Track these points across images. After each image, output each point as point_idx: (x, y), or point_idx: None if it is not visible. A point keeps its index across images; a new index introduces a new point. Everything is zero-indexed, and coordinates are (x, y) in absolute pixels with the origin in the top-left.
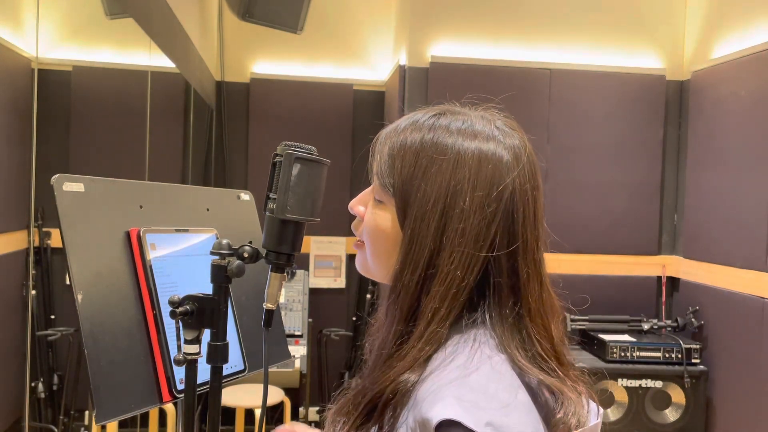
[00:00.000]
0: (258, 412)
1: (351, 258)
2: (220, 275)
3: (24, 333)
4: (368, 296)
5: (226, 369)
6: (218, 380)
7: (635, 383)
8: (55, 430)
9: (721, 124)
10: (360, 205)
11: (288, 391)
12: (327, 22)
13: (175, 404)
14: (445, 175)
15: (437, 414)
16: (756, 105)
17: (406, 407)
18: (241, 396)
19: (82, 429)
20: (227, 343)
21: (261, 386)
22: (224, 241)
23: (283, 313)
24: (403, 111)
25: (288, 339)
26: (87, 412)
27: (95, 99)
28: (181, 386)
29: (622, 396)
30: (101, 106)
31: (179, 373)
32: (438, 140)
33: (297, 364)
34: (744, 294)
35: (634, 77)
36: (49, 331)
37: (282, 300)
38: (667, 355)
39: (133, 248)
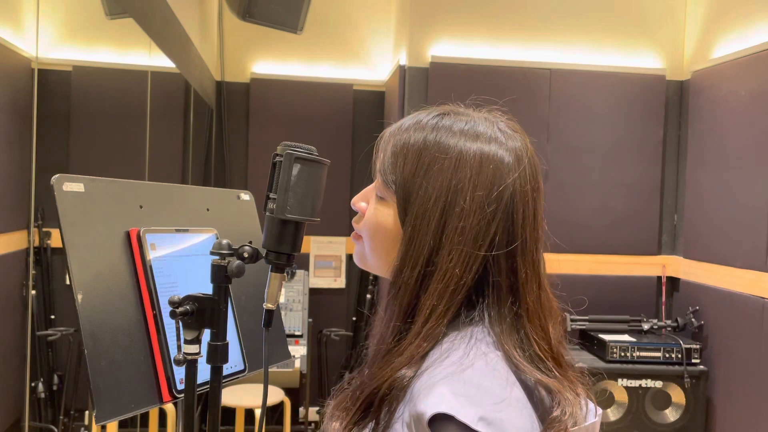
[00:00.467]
0: (258, 412)
1: (351, 258)
2: (220, 275)
3: (24, 333)
4: (368, 296)
5: (226, 369)
6: (218, 380)
7: (635, 383)
8: (55, 430)
9: (721, 124)
10: (362, 200)
11: (288, 391)
12: (327, 22)
13: (175, 404)
14: (446, 174)
15: (431, 408)
16: (756, 105)
17: (402, 402)
18: (241, 396)
19: (82, 429)
20: (227, 343)
21: (261, 386)
22: (224, 241)
23: (283, 313)
24: (403, 111)
25: (288, 339)
26: (87, 412)
27: (95, 99)
28: (181, 386)
29: (622, 396)
30: (101, 106)
31: (179, 373)
32: (441, 140)
33: (297, 364)
34: (744, 294)
35: (634, 77)
36: (49, 331)
37: (282, 300)
38: (667, 355)
39: (133, 248)
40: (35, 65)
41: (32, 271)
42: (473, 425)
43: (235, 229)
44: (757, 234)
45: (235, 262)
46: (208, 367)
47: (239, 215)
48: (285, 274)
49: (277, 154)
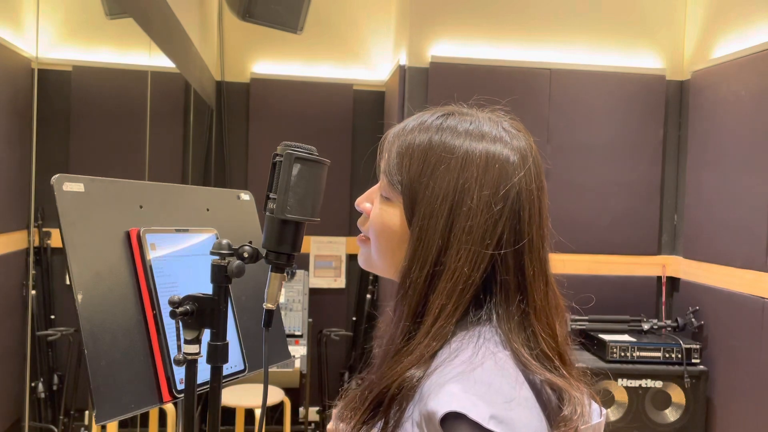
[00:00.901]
0: (258, 412)
1: (351, 258)
2: (220, 275)
3: (24, 333)
4: (368, 296)
5: (226, 369)
6: (218, 380)
7: (635, 383)
8: (55, 430)
9: (721, 124)
10: (366, 201)
11: (288, 391)
12: (327, 22)
13: (175, 404)
14: (453, 174)
15: (442, 407)
16: (756, 105)
17: (412, 402)
18: (241, 396)
19: (82, 429)
20: (227, 343)
21: (261, 386)
22: (224, 241)
23: (283, 313)
24: (403, 111)
25: (288, 339)
26: (87, 412)
27: (95, 99)
28: (181, 386)
29: (622, 396)
30: (101, 106)
31: (179, 373)
32: (446, 140)
33: (297, 364)
34: (744, 294)
35: (634, 77)
36: (49, 331)
37: (282, 300)
38: (667, 355)
39: (133, 248)
40: (35, 65)
41: (32, 271)
42: (485, 423)
43: (235, 229)
44: (757, 234)
45: (235, 262)
46: (208, 367)
47: (239, 215)
48: (285, 274)
49: (277, 154)
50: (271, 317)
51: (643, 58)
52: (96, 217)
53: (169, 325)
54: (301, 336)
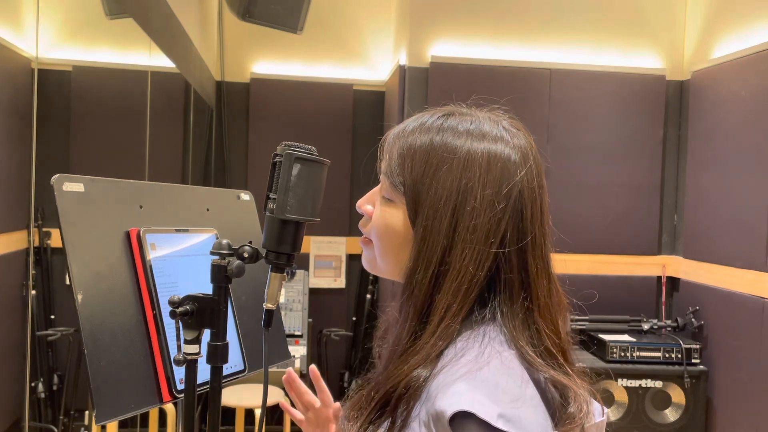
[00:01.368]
0: (258, 412)
1: (351, 258)
2: (220, 275)
3: (24, 333)
4: (368, 296)
5: (226, 369)
6: (218, 380)
7: (635, 383)
8: (55, 430)
9: (721, 124)
10: (368, 203)
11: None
12: (327, 22)
13: (175, 404)
14: (455, 174)
15: (451, 406)
16: (756, 105)
17: (419, 402)
18: (241, 396)
19: (82, 429)
20: (227, 343)
21: (261, 386)
22: (224, 241)
23: (283, 313)
24: (403, 111)
25: (288, 339)
26: (87, 412)
27: (95, 99)
28: (181, 386)
29: (622, 396)
30: (101, 106)
31: (179, 373)
32: (448, 141)
33: (297, 364)
34: (744, 294)
35: (634, 77)
36: (49, 331)
37: (282, 300)
38: (667, 355)
39: (133, 248)
40: (35, 65)
41: (32, 271)
42: (493, 422)
43: (235, 229)
44: (757, 234)
45: (235, 262)
46: (208, 367)
47: (239, 215)
48: (285, 274)
49: (277, 154)
50: (271, 317)
51: (643, 58)
52: (96, 217)
53: (169, 325)
54: (301, 336)
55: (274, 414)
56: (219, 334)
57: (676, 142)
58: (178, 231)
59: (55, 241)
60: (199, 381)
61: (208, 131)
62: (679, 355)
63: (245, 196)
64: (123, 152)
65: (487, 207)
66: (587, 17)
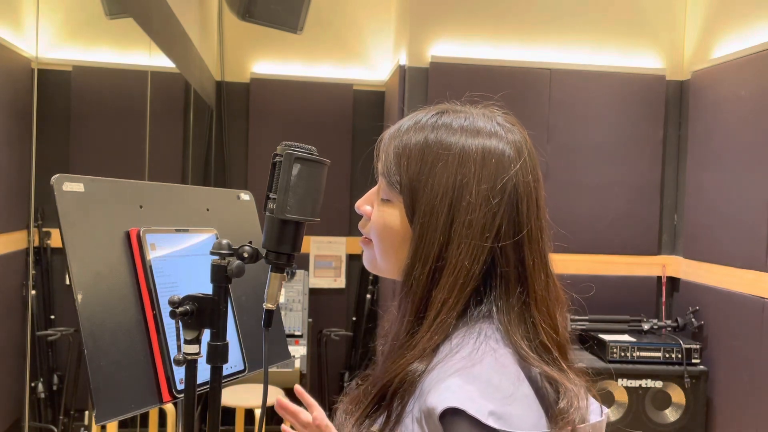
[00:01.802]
0: (258, 412)
1: (351, 258)
2: (220, 275)
3: (24, 333)
4: (368, 296)
5: (226, 369)
6: (218, 380)
7: (635, 383)
8: (55, 430)
9: (721, 124)
10: (366, 204)
11: (288, 391)
12: (327, 22)
13: (175, 404)
14: (451, 171)
15: (442, 402)
16: (756, 105)
17: (413, 397)
18: (241, 396)
19: (82, 429)
20: (227, 343)
21: (261, 386)
22: (224, 241)
23: (283, 313)
24: (403, 111)
25: (288, 339)
26: (87, 412)
27: (95, 99)
28: (181, 386)
29: (622, 396)
30: (101, 106)
31: (179, 373)
32: (442, 138)
33: (297, 364)
34: (744, 294)
35: (634, 77)
36: (49, 331)
37: (282, 300)
38: (667, 355)
39: (133, 248)
40: (35, 65)
41: (32, 271)
42: (484, 419)
43: (235, 229)
44: (757, 234)
45: (235, 262)
46: (208, 367)
47: (239, 215)
48: (285, 274)
49: (277, 154)
50: (271, 317)
51: (643, 58)
52: (96, 217)
53: (169, 325)
54: (301, 336)
55: (274, 414)
56: (219, 334)
57: (676, 142)
58: (178, 231)
59: (55, 241)
60: (199, 381)
61: (208, 131)
62: (679, 355)
63: (245, 196)
64: (123, 152)
65: (482, 202)
66: (587, 17)
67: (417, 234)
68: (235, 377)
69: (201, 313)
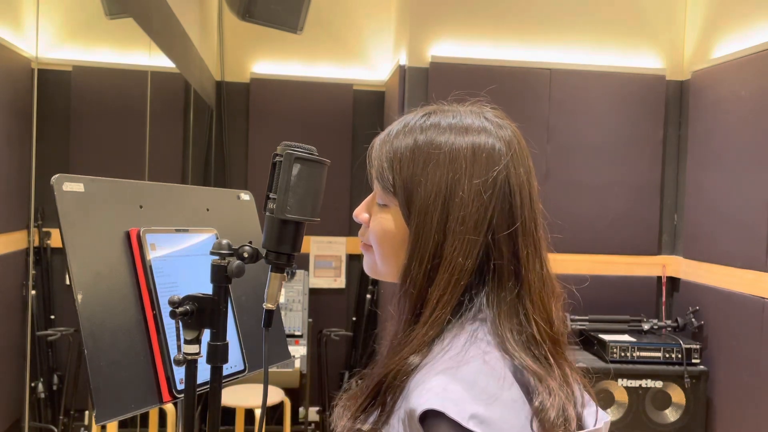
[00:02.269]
0: (258, 412)
1: (351, 258)
2: (220, 275)
3: (24, 333)
4: (368, 296)
5: (226, 369)
6: (218, 380)
7: (635, 383)
8: (55, 430)
9: (721, 124)
10: (364, 212)
11: (288, 391)
12: (327, 22)
13: (175, 404)
14: (443, 169)
15: (422, 404)
16: (756, 105)
17: (401, 397)
18: (241, 396)
19: (82, 429)
20: (227, 343)
21: (261, 386)
22: (224, 241)
23: (283, 313)
24: (403, 111)
25: (288, 339)
26: (87, 412)
27: (95, 99)
28: (181, 386)
29: (622, 396)
30: (101, 106)
31: (179, 373)
32: (432, 138)
33: (297, 364)
34: (744, 294)
35: (634, 77)
36: (49, 331)
37: (282, 300)
38: (667, 355)
39: (133, 248)
40: (35, 65)
41: (32, 271)
42: (464, 423)
43: (235, 229)
44: (757, 234)
45: (235, 262)
46: (208, 367)
47: (239, 215)
48: (285, 274)
49: (277, 154)
50: (271, 317)
51: (643, 58)
52: (96, 217)
53: (169, 325)
54: (301, 336)
55: (274, 414)
56: (219, 334)
57: (676, 142)
58: (178, 231)
59: (55, 241)
60: (199, 381)
61: (208, 131)
62: (679, 355)
63: (245, 196)
64: (123, 152)
65: (474, 197)
66: (587, 17)
67: (413, 234)
68: (235, 377)
69: (201, 313)
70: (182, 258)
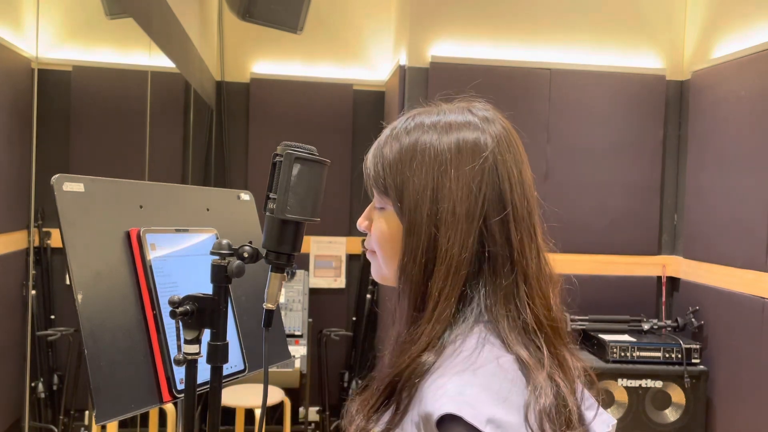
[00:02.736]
0: (258, 412)
1: (351, 258)
2: (220, 275)
3: (24, 333)
4: (368, 296)
5: (226, 369)
6: (218, 380)
7: (635, 383)
8: (55, 430)
9: (721, 125)
10: (365, 220)
11: (288, 391)
12: (327, 22)
13: (175, 404)
14: (429, 164)
15: (439, 408)
16: (756, 105)
17: (416, 398)
18: (241, 396)
19: (82, 429)
20: (227, 343)
21: (261, 386)
22: (224, 241)
23: (283, 313)
24: (403, 111)
25: (288, 339)
26: (87, 412)
27: (95, 99)
28: (181, 386)
29: (622, 396)
30: (101, 106)
31: (179, 373)
32: (417, 138)
33: (297, 364)
34: (744, 294)
35: (634, 77)
36: (49, 331)
37: (282, 300)
38: (667, 355)
39: (133, 248)
40: (35, 65)
41: (32, 271)
42: (481, 427)
43: (235, 229)
44: (757, 234)
45: (235, 262)
46: (208, 367)
47: (239, 215)
48: (285, 274)
49: (277, 154)
50: (271, 317)
51: (643, 58)
52: (96, 217)
53: (169, 325)
54: (301, 336)
55: (274, 414)
56: (219, 334)
57: (676, 142)
58: (178, 231)
59: (55, 241)
60: (199, 381)
61: (208, 131)
62: (679, 355)
63: (245, 196)
64: (123, 152)
65: (462, 186)
66: (587, 17)
67: (406, 229)
68: (235, 377)
69: (201, 313)
70: (182, 258)
